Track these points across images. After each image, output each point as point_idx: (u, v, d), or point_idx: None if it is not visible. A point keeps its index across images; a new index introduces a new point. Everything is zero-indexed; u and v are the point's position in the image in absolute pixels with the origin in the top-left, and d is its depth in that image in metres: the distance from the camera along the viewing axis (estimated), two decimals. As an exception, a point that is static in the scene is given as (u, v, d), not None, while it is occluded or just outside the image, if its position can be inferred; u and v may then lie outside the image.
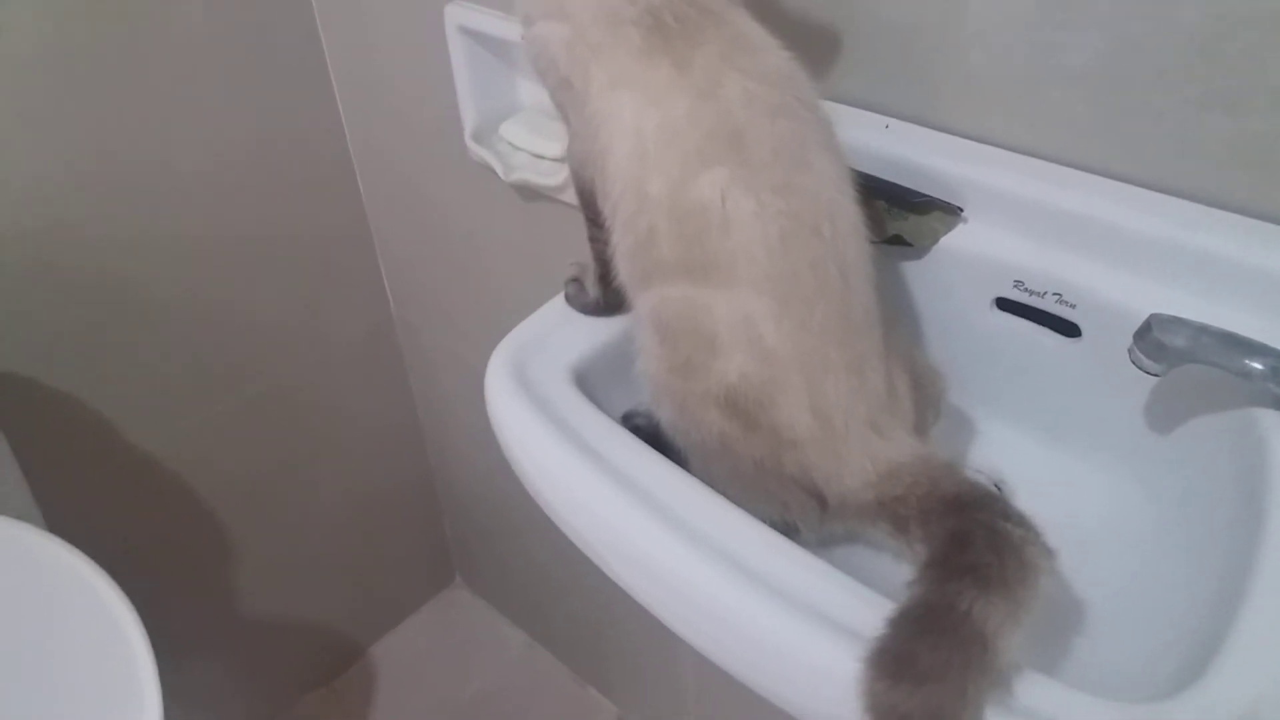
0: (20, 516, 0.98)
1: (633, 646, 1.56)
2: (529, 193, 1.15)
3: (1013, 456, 0.73)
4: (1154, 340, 0.56)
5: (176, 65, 1.21)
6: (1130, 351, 0.58)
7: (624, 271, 0.65)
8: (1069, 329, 0.69)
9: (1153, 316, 0.57)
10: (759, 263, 0.58)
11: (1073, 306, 0.68)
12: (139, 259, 1.27)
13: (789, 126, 0.60)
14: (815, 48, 0.79)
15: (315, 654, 1.81)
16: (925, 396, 0.66)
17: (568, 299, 0.74)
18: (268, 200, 1.37)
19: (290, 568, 1.67)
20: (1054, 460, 0.72)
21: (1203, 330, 0.56)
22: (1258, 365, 0.55)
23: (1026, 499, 0.71)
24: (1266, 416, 0.57)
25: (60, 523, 1.16)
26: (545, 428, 0.64)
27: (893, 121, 0.77)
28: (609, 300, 0.71)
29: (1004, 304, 0.71)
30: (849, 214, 0.61)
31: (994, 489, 0.67)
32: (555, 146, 1.07)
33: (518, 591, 1.83)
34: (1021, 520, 0.52)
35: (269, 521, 1.60)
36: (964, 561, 0.50)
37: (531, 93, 1.12)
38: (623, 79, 0.60)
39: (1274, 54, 0.59)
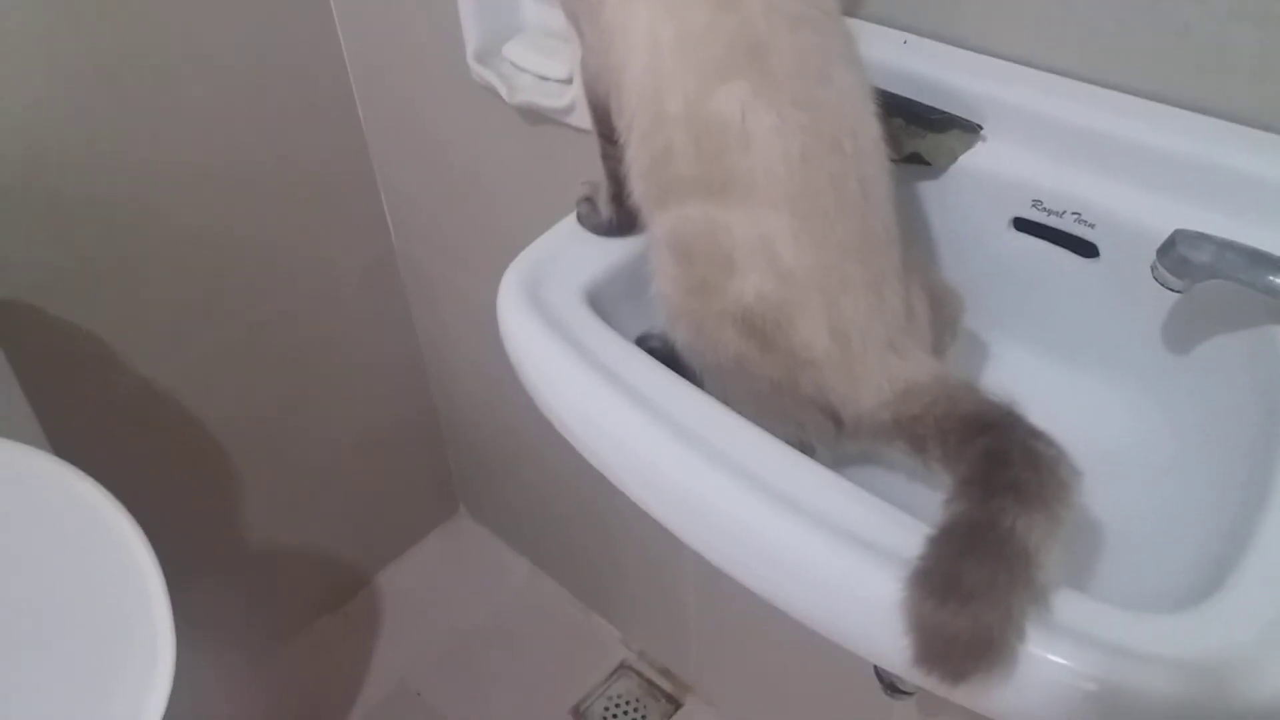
0: (26, 442, 0.98)
1: (635, 572, 1.58)
2: (534, 116, 1.12)
3: (1029, 378, 0.72)
4: (1178, 255, 0.56)
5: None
6: (1153, 268, 0.57)
7: (639, 190, 0.64)
8: (1087, 249, 0.68)
9: (1177, 232, 0.56)
10: (779, 179, 0.57)
11: (1092, 226, 0.67)
12: (138, 184, 1.25)
13: (811, 38, 0.59)
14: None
15: (323, 581, 1.83)
16: (942, 317, 0.65)
17: (580, 219, 0.73)
18: (266, 124, 1.34)
19: (296, 496, 1.68)
20: (1071, 382, 0.71)
21: (1228, 246, 0.56)
22: (1283, 282, 0.54)
23: (1043, 419, 0.70)
24: (1290, 334, 0.57)
25: (66, 448, 1.16)
26: (560, 347, 0.64)
27: (910, 37, 0.75)
28: (622, 220, 0.70)
29: (1021, 224, 0.71)
30: (871, 128, 0.60)
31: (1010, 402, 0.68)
32: (560, 67, 1.05)
33: (521, 520, 1.84)
34: (1049, 439, 0.52)
35: (274, 450, 1.60)
36: (1004, 479, 0.49)
37: (536, 12, 1.09)
38: None
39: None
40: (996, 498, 0.48)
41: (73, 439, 1.21)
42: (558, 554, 1.80)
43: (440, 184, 1.41)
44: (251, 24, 1.27)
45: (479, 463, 1.85)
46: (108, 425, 1.35)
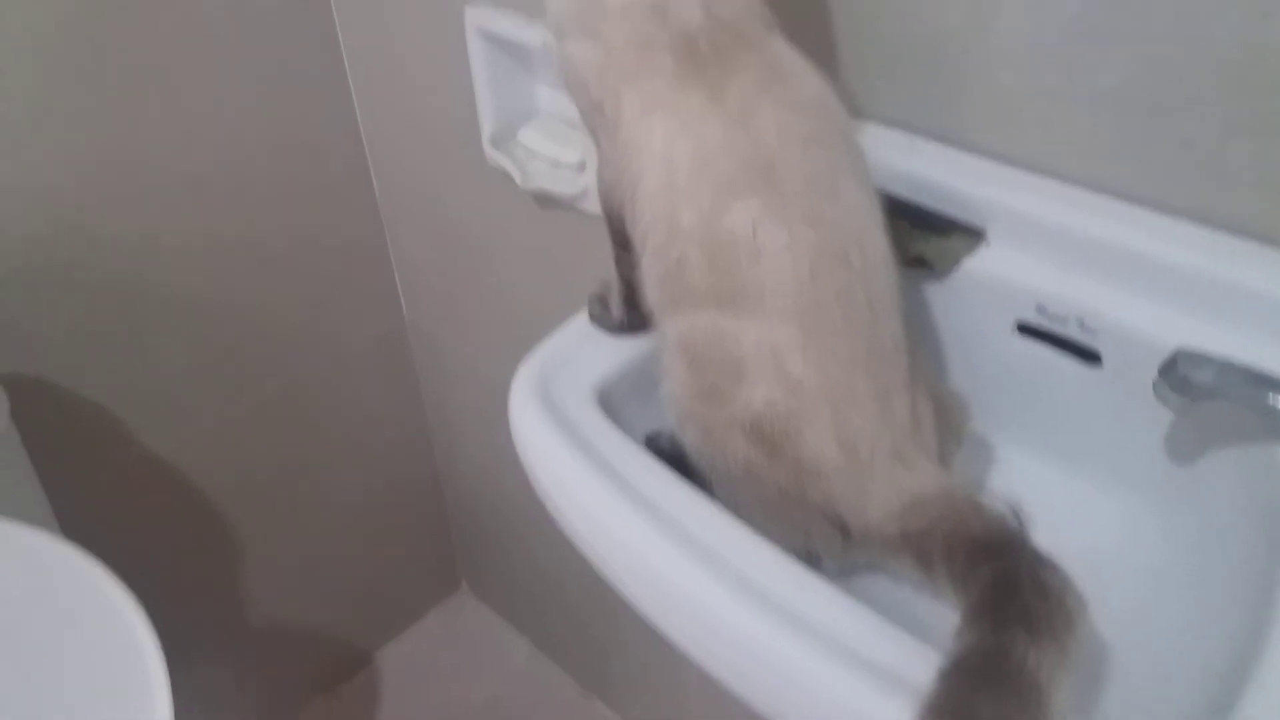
0: (34, 519, 0.99)
1: (638, 658, 1.57)
2: (546, 200, 1.15)
3: (1031, 482, 0.73)
4: (1179, 375, 0.57)
5: (193, 67, 1.21)
6: (1155, 386, 0.58)
7: (652, 297, 0.65)
8: (1090, 356, 0.69)
9: (1179, 351, 0.57)
10: (788, 294, 0.59)
11: (1094, 333, 0.68)
12: (153, 260, 1.28)
13: (821, 156, 0.60)
14: (843, 64, 0.79)
15: (322, 659, 1.82)
16: (948, 425, 0.66)
17: (591, 317, 0.74)
18: (282, 202, 1.37)
19: (298, 572, 1.67)
20: (1072, 488, 0.72)
21: (1229, 367, 0.56)
22: (1283, 403, 0.55)
23: (1044, 526, 0.71)
24: (1291, 453, 0.57)
25: (73, 524, 1.18)
26: (570, 451, 0.65)
27: (917, 140, 0.77)
28: (633, 321, 0.71)
29: (1025, 329, 0.71)
30: (878, 243, 0.61)
31: (1017, 524, 0.68)
32: (574, 153, 1.07)
33: (523, 599, 1.83)
34: (1055, 566, 0.53)
35: (277, 525, 1.61)
36: (1014, 608, 0.50)
37: (550, 99, 1.12)
38: (655, 105, 0.61)
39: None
40: (1007, 629, 0.49)
41: (78, 512, 1.23)
42: (559, 635, 1.79)
43: (453, 261, 1.43)
44: (270, 103, 1.30)
45: (482, 539, 1.84)
46: (113, 498, 1.36)
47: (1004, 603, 0.51)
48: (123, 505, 1.37)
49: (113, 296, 1.26)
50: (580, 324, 0.76)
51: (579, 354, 0.73)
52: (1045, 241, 0.70)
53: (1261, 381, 0.56)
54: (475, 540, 1.86)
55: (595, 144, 0.68)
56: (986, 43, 0.71)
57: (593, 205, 1.06)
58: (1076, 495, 0.71)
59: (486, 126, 1.12)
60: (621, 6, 0.61)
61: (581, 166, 1.07)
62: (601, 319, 0.74)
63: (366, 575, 1.79)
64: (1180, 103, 0.64)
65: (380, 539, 1.78)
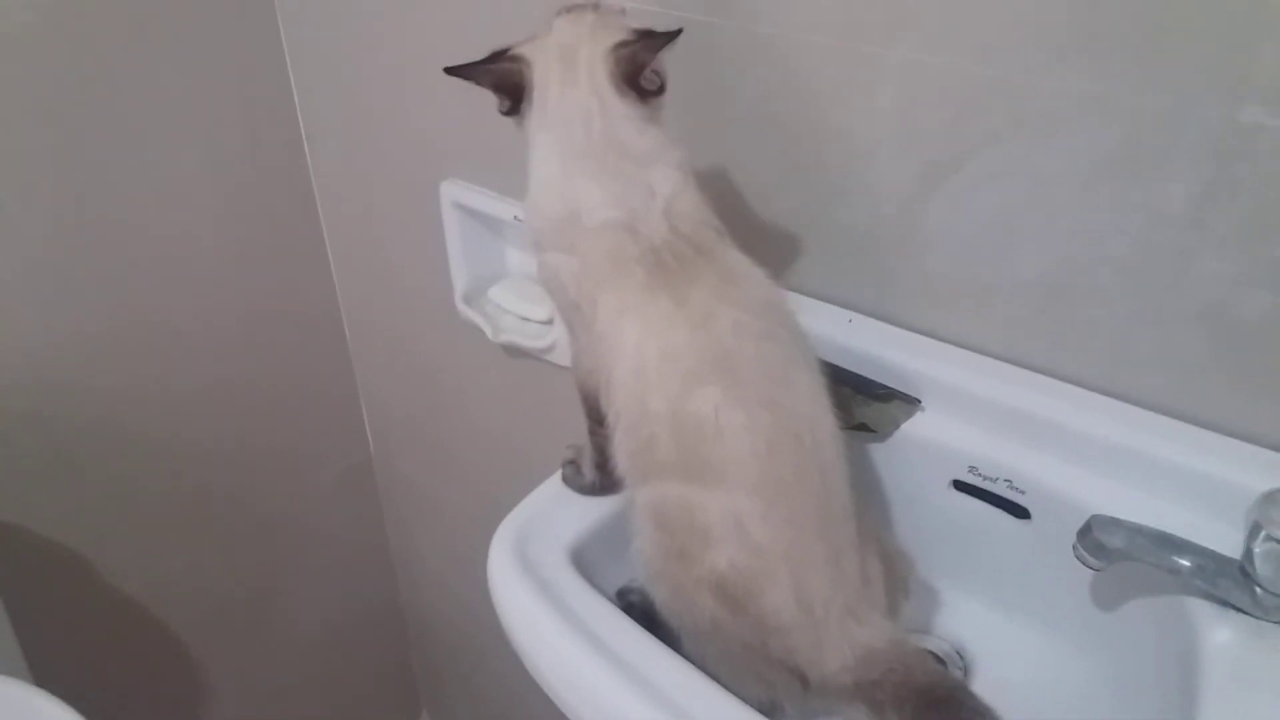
0: (5, 663, 1.00)
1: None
2: (516, 351, 1.21)
3: (973, 626, 0.80)
4: (1094, 540, 0.63)
5: (173, 229, 1.28)
6: (1074, 548, 0.65)
7: (623, 466, 0.71)
8: (1020, 511, 0.76)
9: (1093, 518, 0.64)
10: (748, 468, 0.65)
11: (1023, 492, 0.75)
12: (129, 407, 1.32)
13: (773, 349, 0.68)
14: (786, 248, 0.88)
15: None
16: (896, 580, 0.72)
17: (565, 480, 0.80)
18: (256, 352, 1.43)
19: (263, 703, 1.67)
20: (1010, 631, 0.78)
21: (1138, 531, 0.63)
22: (1185, 562, 0.62)
23: (985, 666, 0.77)
24: (1196, 605, 0.64)
25: (42, 664, 1.18)
26: (547, 610, 0.69)
27: (856, 316, 0.85)
28: (605, 484, 0.77)
29: (960, 486, 0.79)
30: (826, 423, 0.69)
31: (960, 670, 0.74)
32: (541, 311, 1.15)
33: (485, 728, 1.83)
34: (995, 716, 0.59)
35: (243, 657, 1.62)
36: None
37: (519, 260, 1.20)
38: (627, 308, 0.68)
39: (1188, 280, 0.68)
40: None
41: (48, 653, 1.23)
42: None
43: (423, 403, 1.48)
44: (249, 264, 1.38)
45: (444, 667, 1.85)
46: (82, 638, 1.37)
47: None
48: (92, 644, 1.38)
49: (88, 441, 1.30)
50: (553, 485, 0.81)
51: (554, 514, 0.78)
52: (975, 409, 0.77)
53: (1167, 543, 0.63)
54: (437, 668, 1.87)
55: (572, 335, 0.75)
56: (915, 235, 0.80)
57: (558, 358, 1.13)
58: (1013, 637, 0.78)
59: (459, 285, 1.20)
60: (597, 226, 0.69)
61: (549, 322, 1.14)
62: (574, 481, 0.79)
63: (329, 702, 1.79)
64: (1086, 293, 0.73)
65: (343, 668, 1.79)
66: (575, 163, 0.70)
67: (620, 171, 0.70)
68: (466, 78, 0.72)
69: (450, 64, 0.71)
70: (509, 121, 0.74)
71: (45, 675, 1.05)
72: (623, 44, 0.70)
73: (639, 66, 0.69)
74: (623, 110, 0.70)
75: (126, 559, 1.39)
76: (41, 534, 1.28)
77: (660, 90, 0.71)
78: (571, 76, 0.70)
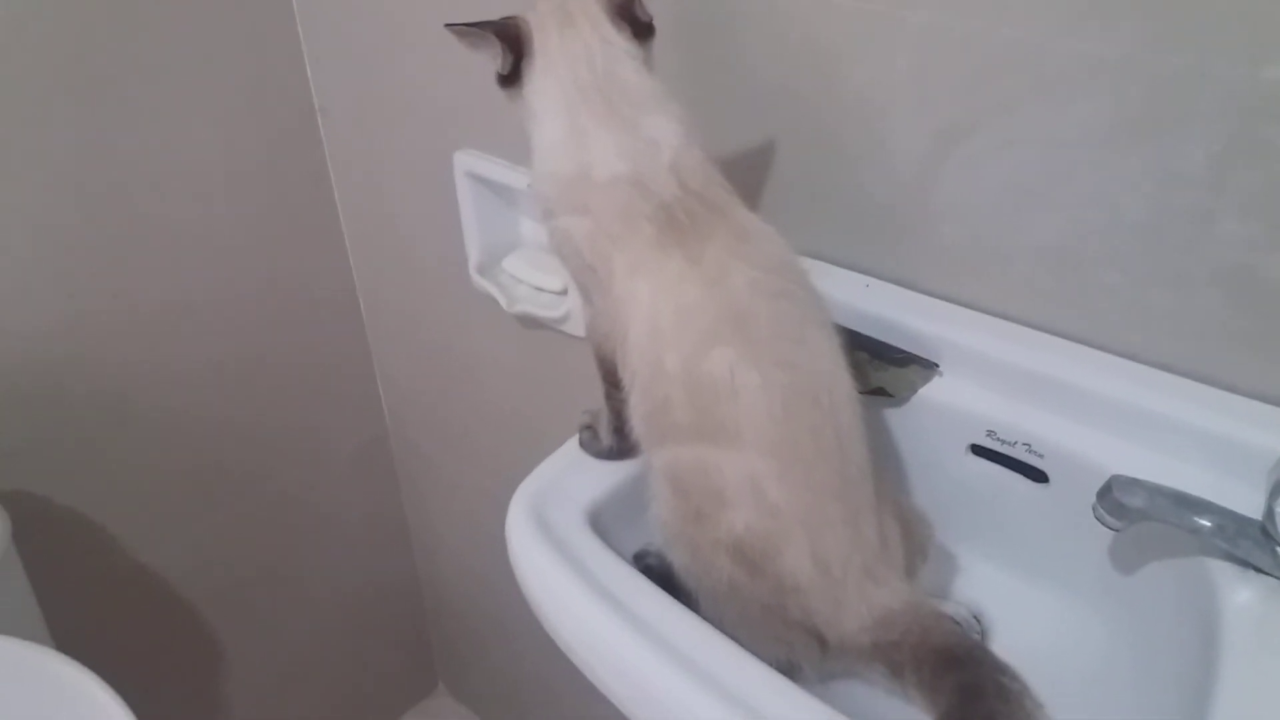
0: (29, 633, 1.02)
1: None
2: (530, 322, 1.22)
3: (990, 590, 0.80)
4: (1114, 500, 0.63)
5: (189, 205, 1.29)
6: (1094, 509, 0.65)
7: (639, 430, 0.71)
8: (1038, 475, 0.76)
9: (1113, 478, 0.64)
10: (764, 429, 0.65)
11: (1041, 456, 0.75)
12: (147, 382, 1.33)
13: (788, 308, 0.68)
14: (802, 213, 0.87)
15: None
16: (914, 543, 0.72)
17: (582, 445, 0.80)
18: (271, 326, 1.44)
19: (278, 674, 1.69)
20: (1028, 595, 0.78)
21: (1158, 491, 0.63)
22: (1205, 522, 0.62)
23: (1003, 631, 0.77)
24: (1216, 566, 0.64)
25: (64, 632, 1.20)
26: (565, 571, 0.69)
27: (873, 281, 0.85)
28: (622, 448, 0.77)
29: (978, 450, 0.79)
30: (843, 383, 0.68)
31: (977, 634, 0.74)
32: (556, 281, 1.15)
33: (500, 702, 1.85)
34: (1014, 673, 0.59)
35: (259, 628, 1.63)
36: (981, 712, 0.56)
37: (533, 231, 1.20)
38: (640, 267, 0.68)
39: (1207, 243, 0.68)
40: None
41: (70, 622, 1.25)
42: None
43: (438, 377, 1.49)
44: (263, 236, 1.38)
45: (460, 641, 1.87)
46: (104, 608, 1.39)
47: (971, 707, 0.57)
48: (113, 614, 1.40)
49: (107, 417, 1.31)
50: (571, 450, 0.81)
51: (571, 478, 0.78)
52: (993, 373, 0.77)
53: (1187, 504, 0.63)
54: (453, 642, 1.88)
55: (587, 300, 0.75)
56: (932, 199, 0.80)
57: (573, 328, 1.14)
58: (1032, 601, 0.78)
59: (473, 256, 1.20)
60: (607, 181, 0.69)
61: (564, 292, 1.14)
62: (591, 446, 0.80)
63: (345, 676, 1.80)
64: (1103, 257, 0.73)
65: (359, 641, 1.80)
66: (581, 106, 0.70)
67: (624, 118, 0.70)
68: (464, 35, 0.72)
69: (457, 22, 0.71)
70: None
71: (67, 642, 1.06)
72: None
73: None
74: (622, 45, 0.71)
75: (146, 533, 1.40)
76: (64, 505, 1.29)
77: (650, 31, 0.73)
78: (568, 20, 0.72)
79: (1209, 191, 0.66)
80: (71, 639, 1.12)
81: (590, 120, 0.70)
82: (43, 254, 1.18)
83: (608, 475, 0.79)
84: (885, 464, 0.81)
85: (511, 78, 0.73)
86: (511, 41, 0.72)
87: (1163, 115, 0.66)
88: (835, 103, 0.82)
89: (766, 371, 0.66)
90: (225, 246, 1.34)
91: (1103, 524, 0.64)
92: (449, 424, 1.53)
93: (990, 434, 0.77)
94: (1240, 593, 0.61)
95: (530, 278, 1.18)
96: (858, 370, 0.74)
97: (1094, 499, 0.65)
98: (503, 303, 1.17)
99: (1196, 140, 0.65)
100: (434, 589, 1.84)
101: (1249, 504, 0.62)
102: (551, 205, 0.73)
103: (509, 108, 0.76)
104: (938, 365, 0.80)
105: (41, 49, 1.11)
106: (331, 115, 1.36)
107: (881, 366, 0.81)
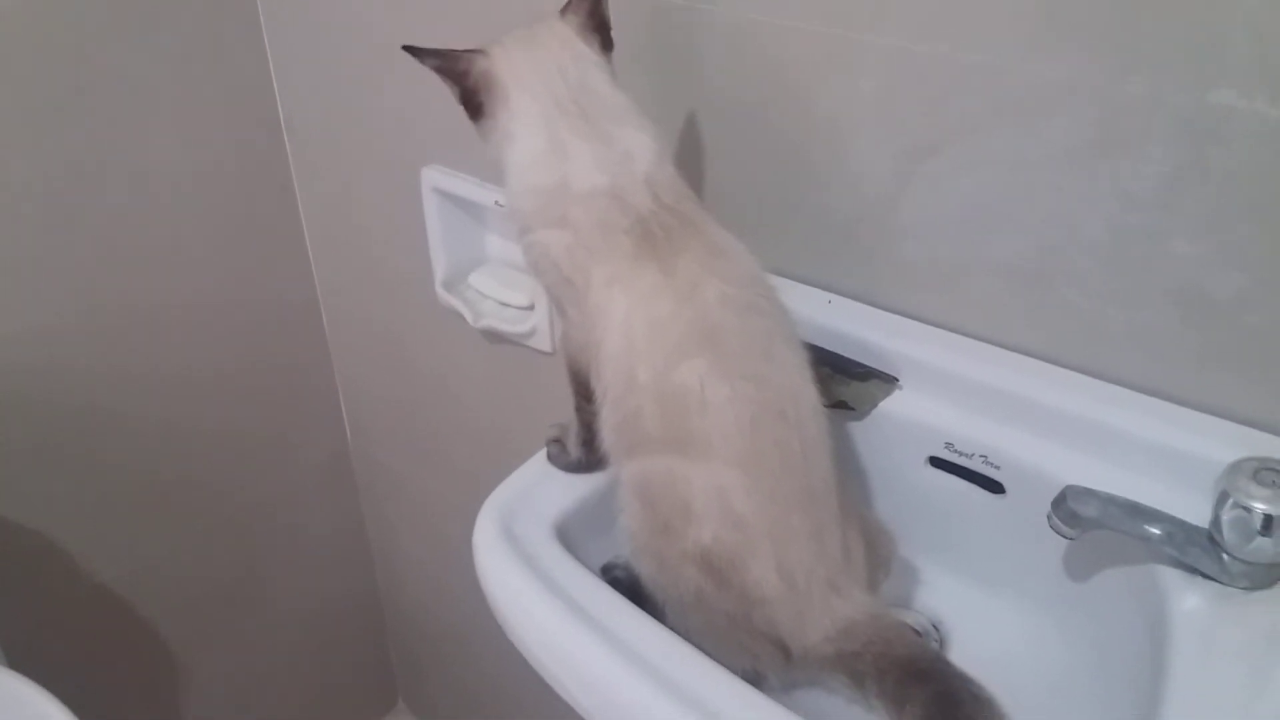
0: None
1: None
2: (496, 337, 1.22)
3: (949, 599, 0.81)
4: (1068, 509, 0.65)
5: (153, 214, 1.28)
6: (1048, 518, 0.67)
7: (609, 441, 0.72)
8: (995, 486, 0.78)
9: (1067, 488, 0.66)
10: (732, 441, 0.67)
11: (997, 468, 0.77)
12: (109, 391, 1.32)
13: (757, 323, 0.69)
14: (766, 231, 0.89)
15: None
16: (877, 556, 0.74)
17: (550, 458, 0.81)
18: (233, 339, 1.43)
19: (238, 692, 1.67)
20: (986, 604, 0.80)
21: (1110, 500, 0.65)
22: (1156, 530, 0.64)
23: (962, 639, 0.79)
24: (1165, 573, 0.66)
25: (18, 648, 1.18)
26: (532, 584, 0.70)
27: (835, 297, 0.87)
28: (590, 461, 0.78)
29: (937, 462, 0.80)
30: (809, 397, 0.70)
31: (936, 643, 0.76)
32: (522, 296, 1.15)
33: (461, 717, 1.83)
34: (978, 683, 0.61)
35: (219, 645, 1.61)
36: (961, 716, 0.59)
37: (500, 246, 1.21)
38: (616, 279, 0.69)
39: (1161, 261, 0.70)
40: None
41: (23, 636, 1.23)
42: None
43: (402, 391, 1.48)
44: (228, 248, 1.38)
45: (421, 656, 1.85)
46: (55, 621, 1.37)
47: (951, 713, 0.59)
48: (66, 627, 1.38)
49: (66, 425, 1.29)
50: (538, 463, 0.82)
51: (539, 491, 0.79)
52: (951, 387, 0.79)
53: (1138, 513, 0.65)
54: (414, 657, 1.87)
55: (561, 313, 0.76)
56: (895, 218, 0.82)
57: (539, 343, 1.14)
58: (990, 609, 0.80)
59: (439, 271, 1.20)
60: (586, 193, 0.70)
61: (530, 307, 1.15)
62: (559, 459, 0.80)
63: (304, 691, 1.79)
64: (1061, 275, 0.75)
65: (319, 656, 1.78)
66: (559, 119, 0.71)
67: (600, 130, 0.71)
68: (423, 60, 0.72)
69: (418, 45, 0.72)
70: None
71: (19, 659, 1.04)
72: (570, 3, 0.75)
73: (594, 7, 0.74)
74: (592, 58, 0.74)
75: (103, 544, 1.38)
76: (14, 518, 1.27)
77: (611, 43, 0.75)
78: (534, 42, 0.74)
79: (1162, 211, 0.68)
80: (22, 653, 1.10)
81: (568, 133, 0.71)
82: (4, 260, 1.17)
83: (575, 488, 0.79)
84: (848, 477, 0.82)
85: (475, 110, 0.74)
86: (459, 76, 0.73)
87: (1118, 137, 0.68)
88: (800, 123, 0.84)
89: (736, 385, 0.67)
90: (189, 257, 1.33)
91: (1057, 533, 0.66)
92: (413, 438, 1.53)
93: (948, 446, 0.79)
94: (1188, 598, 0.63)
95: (496, 293, 1.18)
96: (821, 384, 0.75)
97: (1049, 508, 0.66)
98: (468, 318, 1.17)
99: (1150, 161, 0.67)
100: (395, 603, 1.83)
101: (1197, 513, 0.64)
102: (528, 220, 0.74)
103: (479, 139, 0.76)
104: (898, 380, 0.82)
105: (7, 59, 1.10)
106: (297, 129, 1.36)
107: (843, 381, 0.82)
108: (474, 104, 0.73)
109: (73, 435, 1.30)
